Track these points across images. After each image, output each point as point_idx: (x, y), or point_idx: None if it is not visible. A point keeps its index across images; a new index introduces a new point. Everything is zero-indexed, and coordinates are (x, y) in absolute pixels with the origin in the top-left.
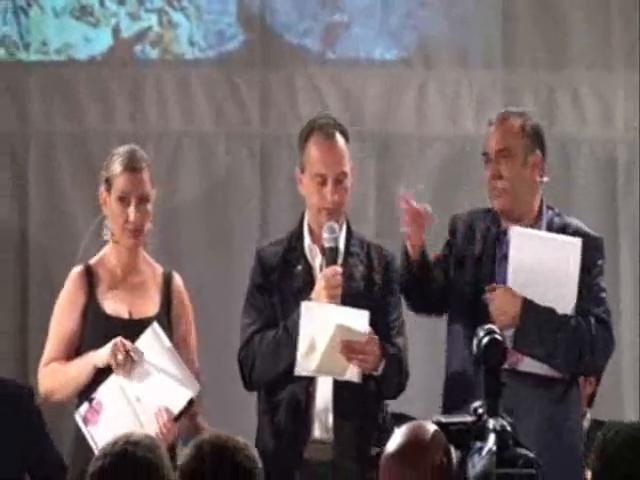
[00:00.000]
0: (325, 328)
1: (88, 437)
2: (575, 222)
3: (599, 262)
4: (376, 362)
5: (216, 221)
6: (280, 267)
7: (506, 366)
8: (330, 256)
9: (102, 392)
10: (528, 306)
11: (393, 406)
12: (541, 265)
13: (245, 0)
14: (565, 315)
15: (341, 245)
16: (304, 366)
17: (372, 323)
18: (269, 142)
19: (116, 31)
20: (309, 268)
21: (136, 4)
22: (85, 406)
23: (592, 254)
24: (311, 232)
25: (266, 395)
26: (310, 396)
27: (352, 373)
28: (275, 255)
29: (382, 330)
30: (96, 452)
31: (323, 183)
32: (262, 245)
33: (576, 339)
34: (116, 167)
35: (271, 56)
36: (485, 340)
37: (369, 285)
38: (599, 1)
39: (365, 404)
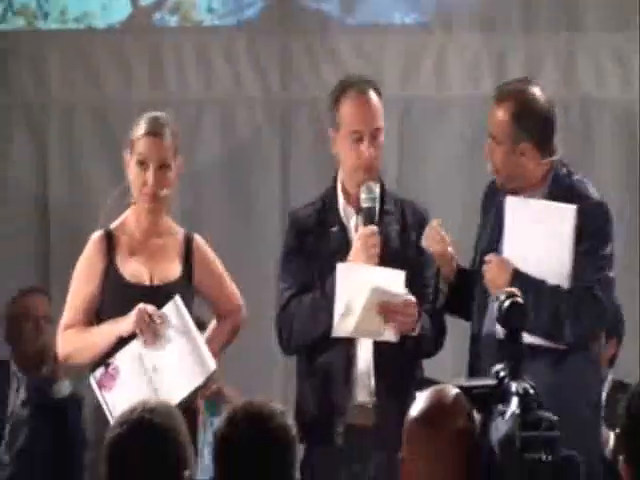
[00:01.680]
0: (361, 289)
1: (102, 402)
2: (582, 184)
3: (599, 228)
4: (413, 323)
5: (237, 187)
6: (315, 229)
7: (502, 337)
8: (367, 216)
9: (120, 358)
10: (516, 277)
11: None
12: (535, 233)
13: None
14: (552, 286)
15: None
16: (341, 327)
17: (408, 281)
18: (289, 108)
19: None
20: (344, 229)
21: None
22: (101, 370)
23: (590, 220)
24: (345, 193)
25: (306, 359)
26: (351, 360)
27: (390, 333)
28: (309, 217)
29: (418, 288)
30: (109, 417)
31: (359, 140)
32: (295, 208)
33: (560, 310)
34: (139, 130)
35: (290, 22)
36: (506, 303)
37: (404, 243)
38: None
39: (405, 365)
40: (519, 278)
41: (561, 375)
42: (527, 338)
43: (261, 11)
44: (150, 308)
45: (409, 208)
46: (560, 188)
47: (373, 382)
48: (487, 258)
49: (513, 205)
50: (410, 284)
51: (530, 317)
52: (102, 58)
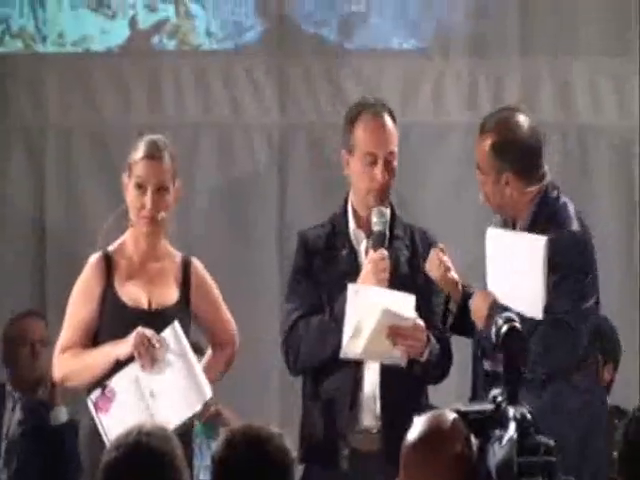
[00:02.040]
0: (371, 311)
1: (98, 424)
2: (564, 211)
3: (570, 259)
4: (422, 348)
5: (234, 211)
6: (324, 251)
7: (488, 368)
8: (378, 240)
9: (117, 381)
10: (491, 310)
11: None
12: (511, 265)
13: None
14: (524, 318)
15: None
16: (350, 349)
17: (416, 307)
18: (287, 132)
19: (133, 22)
20: (354, 253)
21: None
22: (97, 392)
23: (561, 251)
24: (356, 216)
25: (312, 382)
26: (357, 384)
27: (397, 357)
28: (319, 239)
29: (426, 314)
30: (105, 439)
31: (373, 163)
32: (305, 229)
33: (529, 342)
34: (137, 154)
35: (288, 46)
36: (504, 328)
37: (413, 269)
38: None
39: (411, 391)
40: (493, 310)
41: (541, 402)
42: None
43: (259, 35)
44: (149, 332)
45: (419, 235)
46: (543, 213)
47: (379, 407)
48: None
49: (492, 237)
50: (418, 310)
51: None
52: (100, 81)
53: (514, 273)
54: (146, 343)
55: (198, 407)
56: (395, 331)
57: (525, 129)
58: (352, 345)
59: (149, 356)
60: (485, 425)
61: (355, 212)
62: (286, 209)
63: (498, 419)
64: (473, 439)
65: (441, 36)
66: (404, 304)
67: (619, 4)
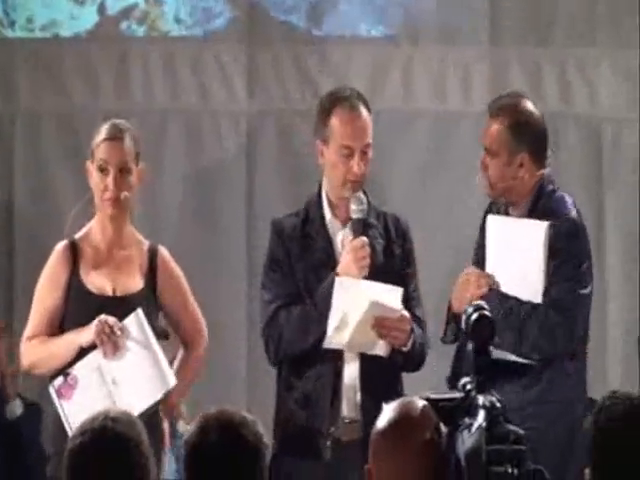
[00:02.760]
0: (358, 303)
1: (60, 411)
2: (561, 201)
3: (569, 245)
4: (407, 338)
5: (202, 198)
6: (299, 240)
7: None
8: (357, 227)
9: (78, 368)
10: (490, 293)
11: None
12: (512, 250)
13: None
14: (522, 302)
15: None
16: (335, 339)
17: None
18: (255, 119)
19: (102, 8)
20: (329, 241)
21: None
22: (60, 379)
23: (561, 237)
24: (330, 205)
25: (291, 372)
26: (338, 374)
27: (381, 348)
28: (293, 228)
29: (403, 301)
30: (67, 426)
31: (350, 155)
32: (278, 217)
33: (526, 326)
34: (99, 137)
35: (257, 33)
36: (474, 316)
37: (389, 256)
38: None
39: (390, 380)
40: (492, 295)
41: (537, 392)
42: (500, 354)
43: (228, 22)
44: (111, 319)
45: (392, 221)
46: (541, 203)
47: (359, 397)
48: (467, 270)
49: (493, 224)
50: None
51: (498, 333)
52: (68, 67)
53: (514, 258)
54: (108, 330)
55: (160, 395)
56: (381, 323)
57: (537, 113)
58: (337, 336)
59: (111, 343)
60: (454, 413)
61: (330, 201)
62: (254, 196)
63: (467, 407)
64: (442, 427)
65: (410, 23)
66: (391, 296)
67: None
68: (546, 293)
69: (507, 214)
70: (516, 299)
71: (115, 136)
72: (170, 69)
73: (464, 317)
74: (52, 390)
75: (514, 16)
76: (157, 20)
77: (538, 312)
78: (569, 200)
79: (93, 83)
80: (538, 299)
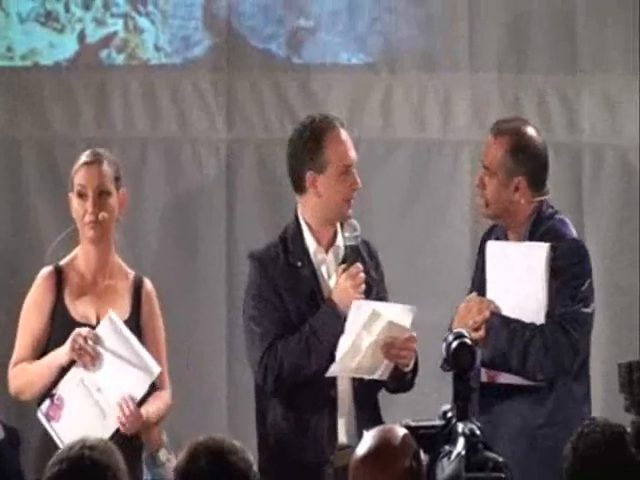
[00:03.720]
0: (374, 325)
1: (52, 434)
2: (561, 224)
3: (572, 265)
4: (411, 359)
5: (182, 226)
6: (284, 270)
7: (486, 380)
8: (352, 254)
9: (62, 387)
10: (493, 318)
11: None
12: (513, 274)
13: (211, 5)
14: (525, 323)
15: (340, 243)
16: (343, 365)
17: None
18: (235, 147)
19: (82, 36)
20: (313, 270)
21: (102, 9)
22: (47, 403)
23: (562, 257)
24: (314, 234)
25: (286, 401)
26: (333, 402)
27: (383, 371)
28: (276, 258)
29: None
30: (61, 447)
31: (347, 173)
32: (257, 249)
33: (530, 346)
34: (76, 165)
35: (237, 61)
36: (454, 344)
37: (369, 282)
38: (564, 5)
39: (374, 400)
40: (495, 319)
41: (543, 415)
42: (509, 379)
43: (207, 50)
44: (84, 331)
45: (364, 248)
46: (541, 228)
47: (354, 423)
48: (468, 297)
49: (492, 249)
50: None
51: (504, 356)
52: (48, 95)
53: (515, 282)
54: (81, 342)
55: (147, 385)
56: (391, 343)
57: (541, 140)
58: (346, 361)
59: (88, 355)
60: (435, 440)
61: (312, 230)
62: (234, 224)
63: (447, 434)
64: (422, 454)
65: (389, 51)
66: (404, 315)
67: (567, 21)
68: (549, 313)
69: (507, 239)
70: (519, 321)
71: (92, 160)
72: (150, 97)
73: (444, 345)
74: (41, 415)
75: (493, 43)
76: (137, 48)
77: (542, 332)
78: (569, 222)
79: (73, 111)
80: (541, 320)
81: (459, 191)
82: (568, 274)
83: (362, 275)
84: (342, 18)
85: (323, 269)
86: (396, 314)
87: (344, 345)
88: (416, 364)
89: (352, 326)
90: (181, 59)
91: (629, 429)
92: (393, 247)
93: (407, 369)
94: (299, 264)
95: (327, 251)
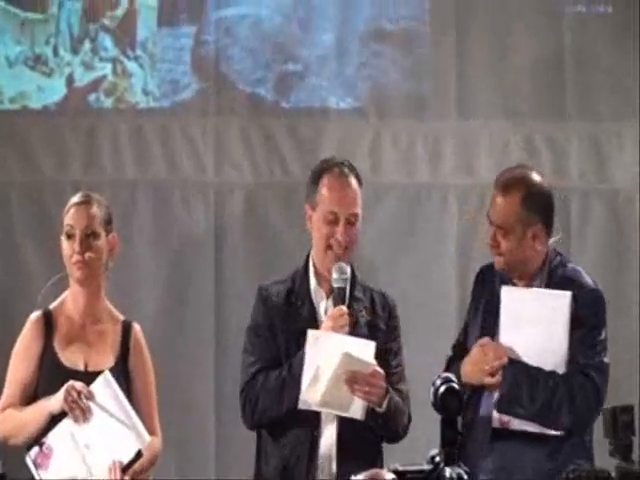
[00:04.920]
0: (331, 356)
1: None
2: (576, 272)
3: (593, 314)
4: (381, 396)
5: (170, 270)
6: (284, 307)
7: (498, 425)
8: (338, 296)
9: (52, 437)
10: (511, 364)
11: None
12: (531, 321)
13: (200, 49)
14: (547, 372)
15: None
16: (309, 396)
17: None
18: (223, 191)
19: (70, 80)
20: (313, 311)
21: (90, 53)
22: (36, 450)
23: (584, 307)
24: (316, 274)
25: (270, 437)
26: (315, 443)
27: (356, 409)
28: (278, 295)
29: (385, 376)
30: None
31: (335, 222)
32: (265, 283)
33: (556, 395)
34: (67, 206)
35: (225, 105)
36: (442, 389)
37: (373, 331)
38: (552, 51)
39: (367, 450)
40: (514, 366)
41: (558, 463)
42: (523, 425)
43: (196, 94)
44: (78, 385)
45: (378, 297)
46: (557, 276)
47: (334, 467)
48: (482, 342)
49: (508, 294)
50: None
51: (525, 404)
52: (37, 139)
53: (533, 328)
54: (75, 397)
55: (133, 453)
56: (354, 377)
57: (545, 183)
58: (311, 393)
59: (80, 409)
60: None
61: (316, 269)
62: (223, 267)
63: (435, 479)
64: None
65: (378, 96)
66: (364, 350)
67: (555, 67)
68: (572, 362)
69: (512, 281)
70: (540, 369)
71: (82, 201)
72: (138, 140)
73: (432, 389)
74: (29, 460)
75: (481, 90)
76: (125, 92)
77: (566, 381)
78: (582, 271)
79: (62, 155)
80: (562, 369)
81: (447, 234)
82: (589, 324)
83: (345, 317)
84: (330, 62)
85: (321, 309)
86: (354, 347)
87: (306, 377)
88: (404, 413)
89: (310, 357)
90: (170, 103)
91: (614, 474)
92: (382, 289)
93: (380, 410)
94: (299, 303)
95: (329, 293)
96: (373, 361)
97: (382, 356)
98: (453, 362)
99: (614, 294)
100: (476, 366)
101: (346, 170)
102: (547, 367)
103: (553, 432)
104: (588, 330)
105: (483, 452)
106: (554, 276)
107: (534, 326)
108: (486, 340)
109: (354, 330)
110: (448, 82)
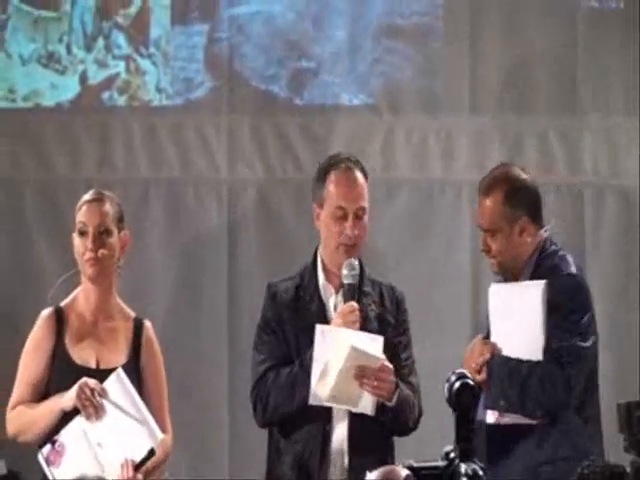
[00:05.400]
0: (339, 351)
1: (50, 478)
2: (562, 260)
3: (568, 300)
4: (390, 391)
5: (183, 268)
6: (293, 304)
7: (492, 422)
8: (349, 293)
9: (65, 435)
10: (492, 360)
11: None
12: (512, 314)
13: (213, 47)
14: (523, 361)
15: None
16: (318, 392)
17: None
18: (236, 189)
19: (83, 78)
20: (322, 307)
21: (103, 51)
22: (48, 447)
23: (560, 292)
24: (325, 270)
25: (282, 434)
26: (326, 439)
27: (366, 404)
28: (287, 291)
29: (395, 369)
30: None
31: (343, 217)
32: (274, 281)
33: (528, 384)
34: (79, 203)
35: (238, 102)
36: (457, 385)
37: (382, 325)
38: (565, 46)
39: (380, 444)
40: (494, 360)
41: (546, 451)
42: (511, 418)
43: (209, 92)
44: (91, 382)
45: (387, 291)
46: (544, 266)
47: (347, 461)
48: (474, 340)
49: (495, 291)
50: None
51: (505, 396)
52: (50, 137)
53: (515, 321)
54: (88, 394)
55: (145, 451)
56: (362, 371)
57: (525, 175)
58: (320, 388)
59: (92, 407)
60: None
61: (324, 265)
62: (236, 265)
63: (450, 475)
64: None
65: (390, 91)
66: (372, 345)
67: (567, 61)
68: (547, 349)
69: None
70: (517, 360)
71: (94, 198)
72: (151, 138)
73: (447, 385)
74: (41, 458)
75: (494, 84)
76: (138, 90)
77: (538, 368)
78: (570, 259)
79: (75, 153)
80: (539, 357)
81: (460, 230)
82: (564, 309)
83: (356, 314)
84: (343, 59)
85: (331, 304)
86: (362, 342)
87: (315, 372)
88: (414, 406)
89: (319, 351)
90: (183, 100)
91: (629, 469)
92: (391, 283)
93: (390, 404)
94: (307, 298)
95: (338, 289)
96: (382, 355)
97: (392, 350)
98: None
99: (630, 287)
100: (466, 364)
101: (352, 165)
102: (527, 357)
103: (538, 422)
104: (563, 316)
105: (480, 451)
106: (542, 265)
107: (514, 319)
108: (477, 338)
109: (364, 324)
110: (461, 78)
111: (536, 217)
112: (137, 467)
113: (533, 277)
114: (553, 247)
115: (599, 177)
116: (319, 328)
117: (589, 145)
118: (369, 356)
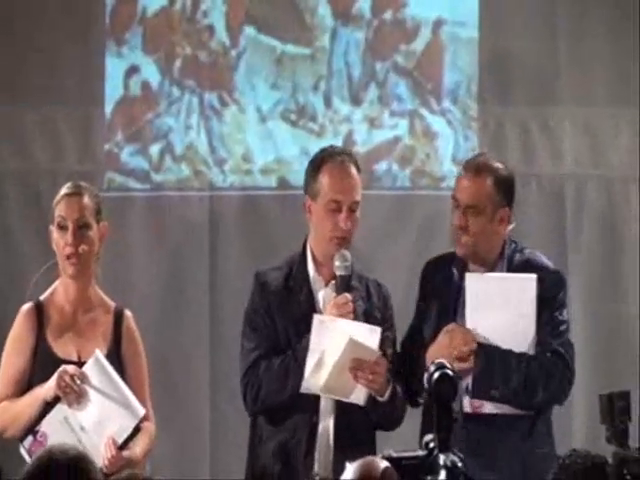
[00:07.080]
0: (337, 341)
1: None
2: (535, 256)
3: (558, 295)
4: (383, 385)
5: (165, 258)
6: (281, 293)
7: (469, 411)
8: (342, 284)
9: (46, 424)
10: (481, 349)
11: None
12: (497, 306)
13: None
14: (518, 353)
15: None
16: (312, 381)
17: None
18: (218, 180)
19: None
20: (312, 298)
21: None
22: (30, 439)
23: (550, 288)
24: (315, 261)
25: (267, 423)
26: (313, 431)
27: (358, 395)
28: (276, 280)
29: None
30: None
31: (337, 210)
32: (262, 269)
33: (531, 376)
34: (58, 196)
35: None
36: (436, 375)
37: (369, 321)
38: (546, 35)
39: (364, 438)
40: (485, 350)
41: (533, 443)
42: (495, 409)
43: None
44: (71, 368)
45: (373, 286)
46: (516, 261)
47: (331, 453)
48: (449, 327)
49: (473, 281)
50: None
51: (499, 387)
52: (31, 128)
53: (500, 313)
54: (68, 381)
55: (131, 428)
56: (357, 364)
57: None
58: (314, 377)
59: (74, 393)
60: (417, 472)
61: (314, 258)
62: (217, 255)
63: (429, 466)
64: None
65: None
66: (369, 337)
67: (549, 52)
68: (542, 343)
69: (470, 269)
70: (511, 352)
71: (73, 192)
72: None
73: (426, 376)
74: (23, 450)
75: (474, 75)
76: None
77: (540, 361)
78: (541, 254)
79: (56, 144)
80: (532, 350)
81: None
82: (555, 304)
83: (350, 305)
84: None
85: (320, 296)
86: (360, 333)
87: (310, 361)
88: (404, 401)
89: (315, 341)
90: None
91: (610, 460)
92: (383, 272)
93: (381, 399)
94: (297, 288)
95: (328, 281)
96: (377, 348)
97: (380, 346)
98: (404, 357)
99: (609, 280)
100: (445, 351)
101: (345, 158)
102: (517, 349)
103: (524, 412)
104: (555, 310)
105: (456, 438)
106: (513, 261)
107: (501, 310)
108: (453, 326)
109: (353, 319)
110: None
111: (512, 211)
112: (121, 446)
113: (510, 270)
114: (514, 244)
115: (580, 167)
116: (317, 318)
117: (570, 135)
118: (366, 349)
